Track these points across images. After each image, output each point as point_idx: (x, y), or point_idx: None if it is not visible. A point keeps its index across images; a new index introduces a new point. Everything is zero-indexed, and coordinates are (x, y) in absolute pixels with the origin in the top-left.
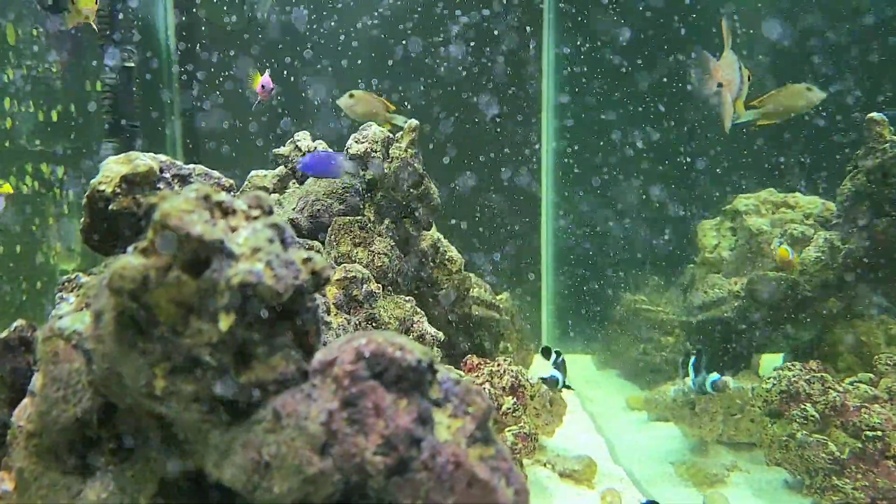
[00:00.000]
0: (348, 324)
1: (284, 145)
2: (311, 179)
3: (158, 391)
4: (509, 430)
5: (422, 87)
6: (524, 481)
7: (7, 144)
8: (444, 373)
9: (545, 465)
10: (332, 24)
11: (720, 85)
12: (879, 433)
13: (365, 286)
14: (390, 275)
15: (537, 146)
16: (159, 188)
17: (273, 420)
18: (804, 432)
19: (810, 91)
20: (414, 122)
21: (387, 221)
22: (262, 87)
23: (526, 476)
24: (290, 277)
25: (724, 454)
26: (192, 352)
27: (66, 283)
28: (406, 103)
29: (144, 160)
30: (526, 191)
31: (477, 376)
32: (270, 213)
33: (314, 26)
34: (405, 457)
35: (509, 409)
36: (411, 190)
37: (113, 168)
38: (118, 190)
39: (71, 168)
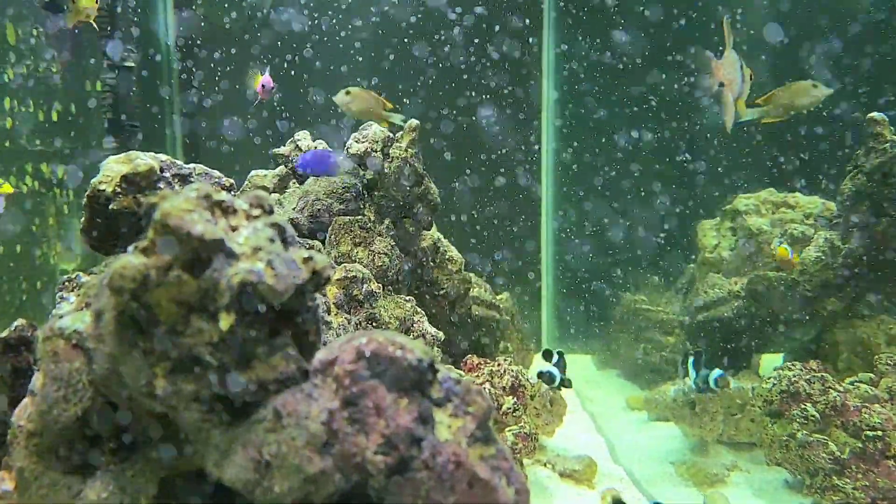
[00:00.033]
0: (349, 323)
1: (284, 145)
2: (311, 179)
3: (159, 391)
4: (509, 430)
5: (422, 87)
6: (525, 481)
7: (7, 144)
8: (445, 372)
9: (545, 464)
10: (332, 22)
11: (722, 84)
12: (880, 433)
13: (365, 286)
14: (390, 274)
15: (537, 147)
16: (160, 187)
17: (274, 419)
18: (804, 432)
19: (816, 88)
20: (414, 121)
21: (387, 221)
22: (263, 86)
23: (526, 476)
24: (290, 277)
25: (724, 454)
26: (193, 351)
27: (66, 283)
28: (406, 102)
29: (145, 159)
30: (526, 190)
31: (477, 376)
32: (271, 212)
33: (314, 25)
34: (406, 456)
35: (509, 408)
36: (411, 190)
37: (113, 167)
38: (118, 189)
39: (72, 162)
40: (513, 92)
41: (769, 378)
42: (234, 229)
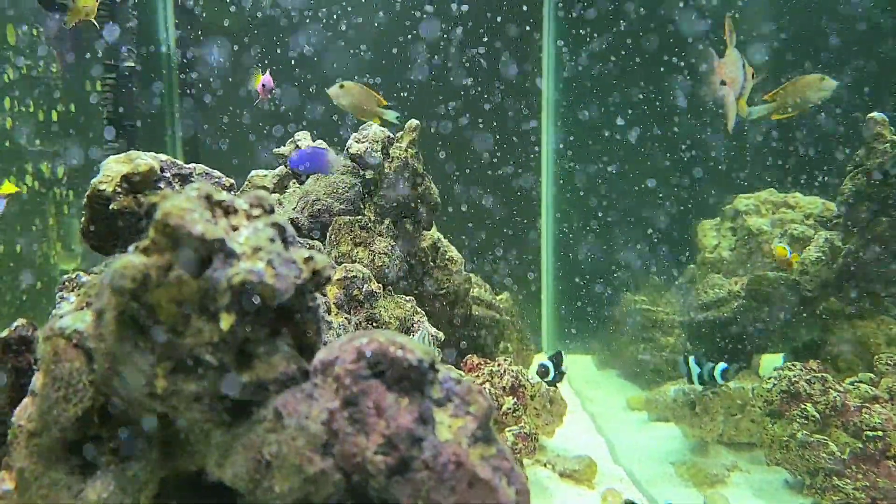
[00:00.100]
0: (349, 323)
1: (285, 145)
2: (311, 179)
3: (159, 391)
4: (510, 430)
5: (421, 86)
6: (525, 481)
7: (7, 144)
8: (446, 372)
9: (545, 465)
10: (332, 21)
11: (723, 83)
12: (880, 433)
13: (365, 286)
14: (391, 274)
15: (537, 148)
16: (160, 187)
17: (274, 419)
18: (805, 432)
19: (824, 80)
20: (414, 121)
21: (387, 221)
22: (263, 85)
23: (526, 476)
24: (291, 276)
25: (724, 454)
26: (194, 351)
27: (66, 283)
28: (405, 96)
29: (145, 159)
30: (526, 190)
31: (477, 376)
32: (271, 212)
33: (314, 24)
34: (406, 456)
35: (510, 409)
36: (411, 190)
37: (113, 167)
38: (119, 189)
39: (68, 158)
40: (513, 91)
41: (769, 378)
42: (234, 229)
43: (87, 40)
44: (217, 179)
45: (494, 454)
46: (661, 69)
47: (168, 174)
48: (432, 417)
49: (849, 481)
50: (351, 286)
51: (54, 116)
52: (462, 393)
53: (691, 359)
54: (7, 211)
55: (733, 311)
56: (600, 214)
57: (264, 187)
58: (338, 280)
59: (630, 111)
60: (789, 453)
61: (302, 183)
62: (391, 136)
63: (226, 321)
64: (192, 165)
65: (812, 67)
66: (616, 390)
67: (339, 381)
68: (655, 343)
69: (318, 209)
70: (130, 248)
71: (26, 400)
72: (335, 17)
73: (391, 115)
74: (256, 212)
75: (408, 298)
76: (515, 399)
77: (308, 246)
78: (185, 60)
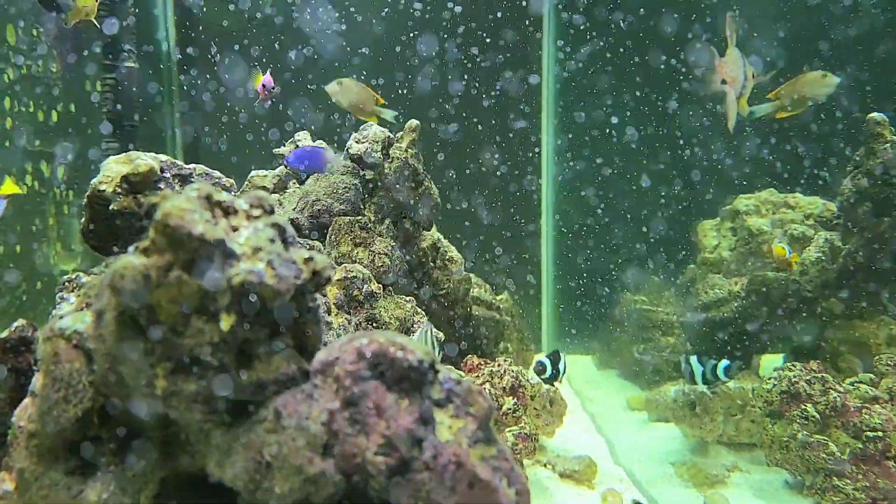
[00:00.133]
0: (349, 324)
1: (284, 144)
2: (311, 179)
3: (160, 391)
4: (510, 431)
5: (420, 86)
6: (525, 482)
7: (7, 145)
8: (446, 373)
9: (545, 465)
10: (332, 20)
11: (724, 82)
12: (880, 434)
13: (365, 286)
14: (391, 275)
15: (537, 149)
16: (160, 188)
17: (274, 420)
18: (805, 433)
19: (826, 77)
20: (414, 122)
21: (387, 221)
22: (263, 86)
23: (526, 476)
24: (291, 277)
25: (724, 455)
26: (194, 352)
27: (66, 283)
28: (406, 102)
29: (145, 160)
30: (526, 190)
31: (477, 376)
32: (271, 212)
33: (314, 25)
34: (406, 457)
35: (510, 409)
36: (411, 190)
37: (113, 168)
38: (119, 190)
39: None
40: (513, 90)
41: (769, 379)
42: (234, 230)
43: (87, 40)
44: (217, 180)
45: (495, 455)
46: (662, 69)
47: (168, 174)
48: (432, 418)
49: (849, 482)
50: (351, 287)
51: (54, 116)
52: (462, 393)
53: (693, 358)
54: (7, 211)
55: (733, 312)
56: (600, 214)
57: (264, 187)
58: (338, 280)
59: (630, 111)
60: (789, 454)
61: (302, 183)
62: (391, 136)
63: (226, 322)
64: (191, 166)
65: (810, 68)
66: (616, 390)
67: (339, 381)
68: (655, 343)
69: (318, 209)
70: (130, 248)
71: (26, 400)
72: (334, 15)
73: (388, 114)
74: (256, 212)
75: (408, 299)
76: (515, 399)
77: (308, 246)
78: (184, 60)
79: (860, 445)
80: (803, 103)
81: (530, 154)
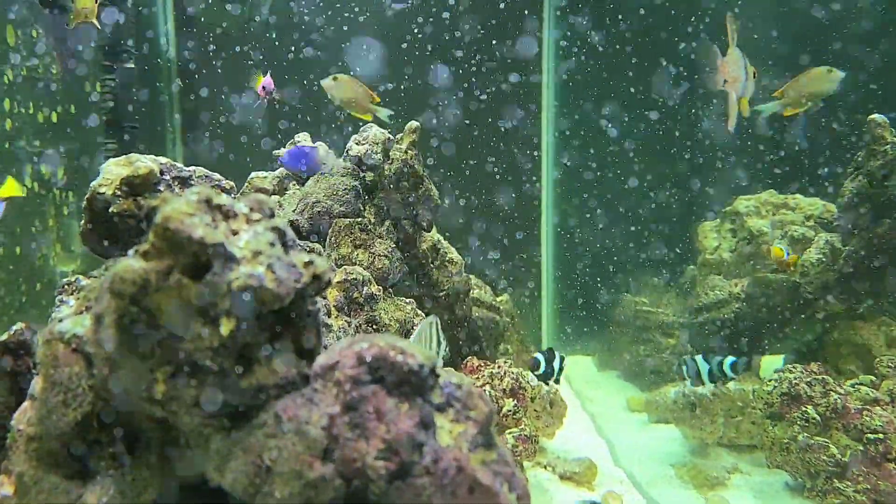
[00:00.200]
0: (349, 326)
1: (284, 146)
2: (311, 180)
3: (159, 395)
4: (510, 433)
5: (420, 86)
6: (526, 486)
7: (7, 146)
8: (446, 377)
9: (546, 467)
10: (331, 20)
11: (725, 82)
12: (881, 436)
13: (365, 288)
14: (391, 277)
15: (538, 150)
16: (160, 190)
17: (274, 424)
18: (805, 435)
19: (831, 72)
20: (414, 123)
21: (387, 223)
22: (263, 87)
23: (527, 479)
24: (291, 281)
25: (724, 456)
26: (193, 356)
27: (65, 286)
28: (404, 102)
29: (145, 162)
30: (526, 191)
31: (477, 378)
32: (271, 215)
33: (314, 25)
34: (407, 461)
35: (510, 411)
36: (411, 191)
37: (113, 170)
38: (118, 192)
39: (70, 163)
40: (512, 90)
41: (770, 380)
42: (234, 233)
43: (87, 41)
44: (217, 182)
45: (495, 459)
46: (664, 69)
47: (168, 177)
48: (433, 422)
49: (850, 484)
50: (351, 289)
51: (54, 118)
52: (463, 398)
53: (698, 357)
54: (7, 212)
55: (733, 313)
56: (601, 215)
57: (264, 189)
58: (338, 283)
59: (630, 111)
60: (790, 456)
61: (302, 184)
62: (391, 137)
63: (226, 326)
64: (191, 168)
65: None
66: (616, 391)
67: (339, 385)
68: (655, 344)
69: (318, 211)
70: (130, 251)
71: (26, 404)
72: (334, 16)
73: (384, 114)
74: (256, 216)
75: (408, 301)
76: (515, 401)
77: (308, 249)
78: (184, 62)
79: (861, 447)
80: (810, 99)
81: (530, 154)
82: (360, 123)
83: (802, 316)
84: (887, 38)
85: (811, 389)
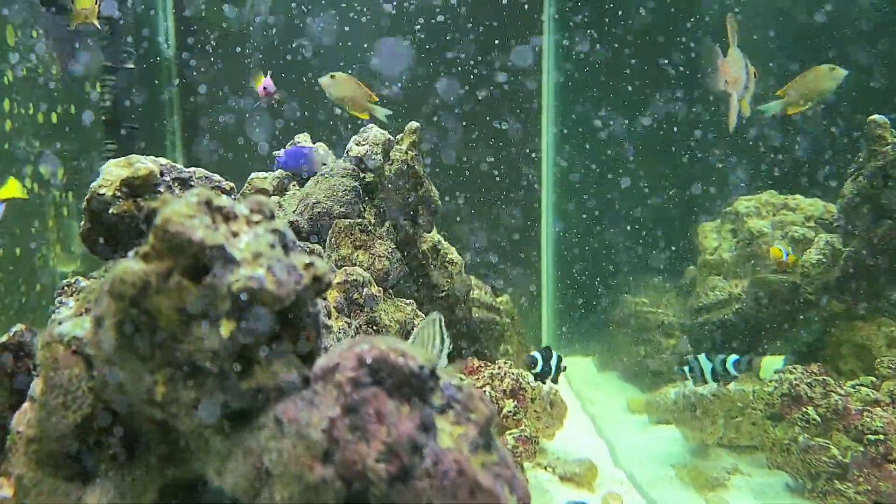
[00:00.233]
0: (349, 327)
1: (285, 147)
2: (311, 181)
3: (159, 397)
4: (510, 434)
5: (420, 87)
6: (527, 487)
7: (6, 146)
8: (447, 379)
9: (546, 468)
10: (331, 21)
11: (726, 82)
12: (881, 437)
13: (365, 289)
14: (391, 278)
15: (536, 155)
16: (160, 191)
17: (274, 427)
18: (806, 436)
19: (834, 71)
20: (414, 124)
21: (387, 224)
22: (264, 88)
23: (527, 481)
24: (291, 283)
25: (725, 457)
26: (193, 358)
27: (65, 288)
28: (404, 102)
29: (145, 163)
30: (526, 191)
31: (477, 379)
32: (272, 217)
33: (314, 26)
34: (407, 464)
35: (510, 412)
36: (412, 192)
37: (113, 171)
38: (118, 193)
39: (69, 164)
40: (512, 90)
41: (770, 381)
42: (234, 235)
43: (86, 41)
44: (217, 183)
45: (496, 461)
46: (663, 69)
47: (168, 178)
48: (433, 424)
49: (850, 485)
50: (351, 290)
51: (54, 118)
52: (463, 400)
53: (701, 356)
54: (6, 213)
55: (734, 314)
56: (601, 216)
57: (264, 190)
58: (338, 284)
59: (631, 112)
60: (790, 457)
61: (302, 185)
62: (391, 138)
63: (226, 328)
64: (191, 169)
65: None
66: (616, 392)
67: (339, 388)
68: (656, 345)
69: (318, 212)
70: (130, 253)
71: (25, 406)
72: (333, 16)
73: (381, 113)
74: (256, 217)
75: (408, 302)
76: (516, 402)
77: (308, 250)
78: (184, 62)
79: (861, 448)
80: (812, 97)
81: (530, 155)
82: (360, 123)
83: (802, 316)
84: (887, 38)
85: (812, 390)
